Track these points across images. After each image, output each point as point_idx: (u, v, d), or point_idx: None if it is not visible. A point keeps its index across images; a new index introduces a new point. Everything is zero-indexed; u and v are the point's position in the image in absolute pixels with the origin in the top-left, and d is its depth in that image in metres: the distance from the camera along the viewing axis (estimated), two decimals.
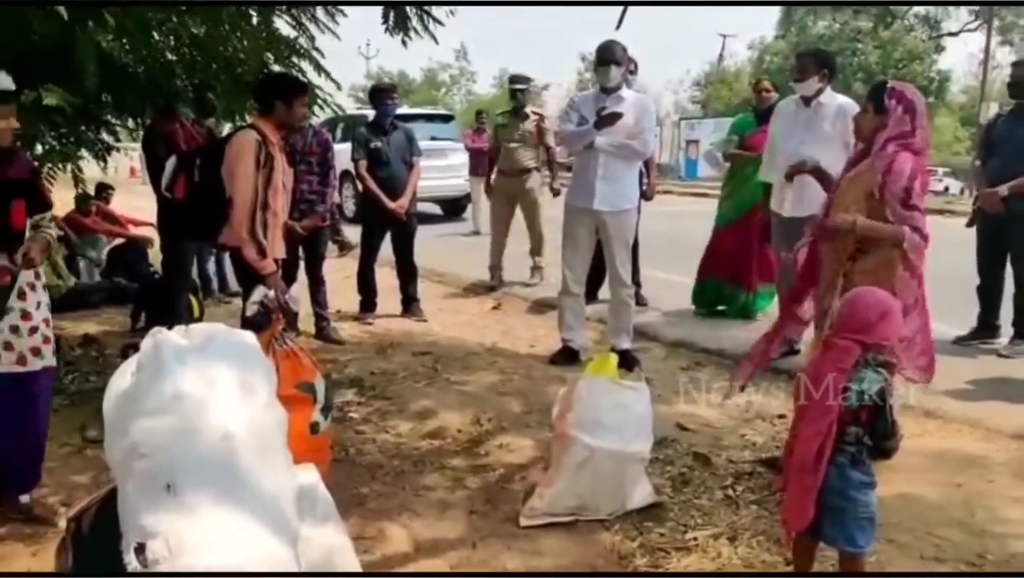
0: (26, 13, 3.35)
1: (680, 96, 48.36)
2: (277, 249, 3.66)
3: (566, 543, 2.78)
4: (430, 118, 13.59)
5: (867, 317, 2.18)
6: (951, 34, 36.32)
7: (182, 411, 1.98)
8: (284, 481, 2.11)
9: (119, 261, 7.16)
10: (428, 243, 8.98)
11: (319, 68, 4.16)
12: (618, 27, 3.78)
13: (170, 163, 3.80)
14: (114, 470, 2.05)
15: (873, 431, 2.17)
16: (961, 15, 35.40)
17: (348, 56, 48.01)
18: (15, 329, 2.75)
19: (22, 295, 2.78)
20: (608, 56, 4.50)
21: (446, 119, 13.89)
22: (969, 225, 5.17)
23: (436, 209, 13.04)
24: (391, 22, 4.04)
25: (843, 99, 4.46)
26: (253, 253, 3.49)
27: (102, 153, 5.57)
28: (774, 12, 39.91)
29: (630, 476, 2.93)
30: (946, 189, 27.06)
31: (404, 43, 4.20)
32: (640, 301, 6.41)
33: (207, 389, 2.03)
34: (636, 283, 6.48)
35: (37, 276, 2.84)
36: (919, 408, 3.89)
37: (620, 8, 4.03)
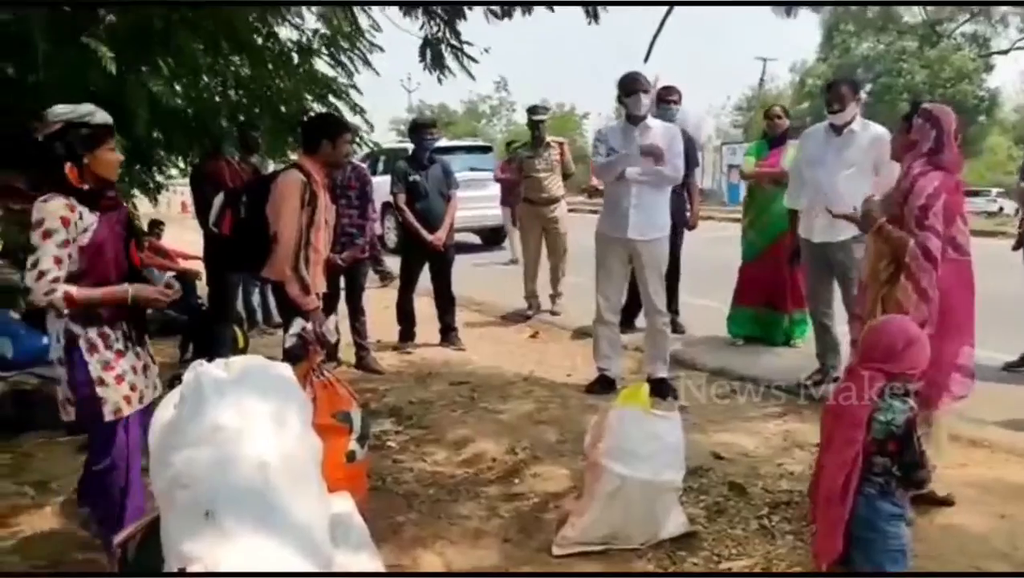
0: (84, 64, 3.54)
1: (722, 121, 48.10)
2: (318, 284, 3.77)
3: (599, 572, 2.79)
4: (469, 149, 13.79)
5: (892, 345, 2.17)
6: (1001, 52, 35.51)
7: (220, 442, 2.07)
8: (317, 508, 2.18)
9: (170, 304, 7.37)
10: (466, 272, 9.12)
11: (355, 107, 4.30)
12: (646, 59, 3.85)
13: (218, 199, 3.95)
14: (158, 499, 2.15)
15: (901, 462, 2.15)
16: (1011, 33, 34.62)
17: (390, 89, 48.95)
18: (135, 369, 2.81)
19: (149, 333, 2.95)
20: (637, 85, 4.57)
21: (485, 150, 14.08)
22: (1016, 248, 5.07)
23: (475, 239, 13.17)
24: (428, 60, 4.18)
25: (877, 128, 4.44)
26: (296, 290, 3.60)
27: (153, 191, 5.82)
28: (815, 35, 39.62)
29: (662, 505, 2.93)
30: (1000, 210, 26.27)
31: (440, 80, 4.33)
32: (677, 328, 6.39)
33: (244, 420, 2.12)
34: (673, 310, 6.48)
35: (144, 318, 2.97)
36: (965, 437, 3.81)
37: (654, 39, 4.10)
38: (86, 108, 2.69)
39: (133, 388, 2.77)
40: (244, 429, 2.10)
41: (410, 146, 6.78)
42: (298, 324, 3.15)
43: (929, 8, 34.15)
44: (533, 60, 71.24)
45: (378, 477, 3.64)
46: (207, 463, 2.04)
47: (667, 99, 6.33)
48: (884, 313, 3.01)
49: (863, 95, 4.39)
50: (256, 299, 7.11)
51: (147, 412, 2.72)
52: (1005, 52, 35.25)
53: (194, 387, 2.18)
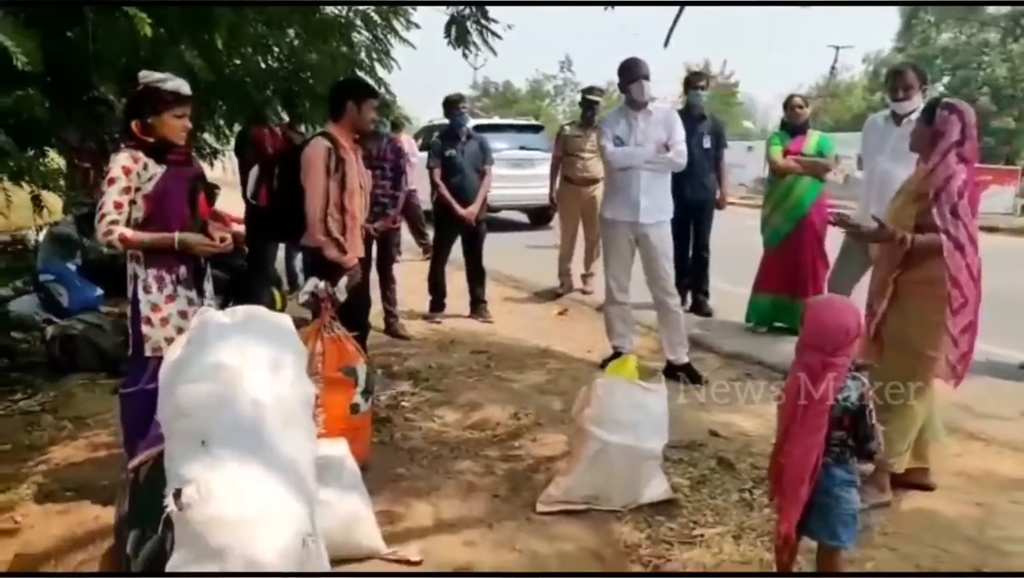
0: (131, 30, 3.79)
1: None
2: (357, 248, 3.92)
3: (576, 530, 2.94)
4: (520, 128, 13.89)
5: (842, 337, 2.22)
6: None
7: (220, 379, 2.29)
8: (304, 447, 2.38)
9: (218, 255, 7.75)
10: (517, 252, 9.28)
11: (378, 82, 4.47)
12: (666, 44, 3.90)
13: (253, 172, 4.18)
14: (163, 428, 2.38)
15: (855, 434, 2.25)
16: None
17: (457, 67, 49.20)
18: (183, 314, 3.02)
19: (208, 278, 3.19)
20: (640, 72, 4.67)
21: (536, 129, 14.15)
22: None
23: (523, 217, 13.30)
24: (453, 36, 4.33)
25: None
26: (334, 252, 3.77)
27: (209, 156, 6.14)
28: (893, 23, 38.24)
29: (644, 472, 3.07)
30: None
31: (465, 56, 4.47)
32: (706, 311, 6.46)
33: (242, 361, 2.33)
34: (703, 292, 6.55)
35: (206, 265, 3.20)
36: (963, 430, 3.83)
37: (674, 23, 4.13)
38: (163, 76, 3.02)
39: (180, 331, 2.96)
40: (242, 369, 2.31)
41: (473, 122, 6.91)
42: (311, 283, 3.37)
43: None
44: (602, 40, 70.50)
45: (388, 433, 3.85)
46: (206, 397, 2.25)
47: (696, 85, 6.38)
48: (895, 297, 3.06)
49: (939, 87, 4.31)
50: (298, 263, 7.40)
51: None
52: None
53: (200, 330, 2.40)
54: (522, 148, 12.53)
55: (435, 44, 4.82)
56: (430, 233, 8.49)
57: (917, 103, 4.39)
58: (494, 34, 4.25)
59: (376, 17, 4.46)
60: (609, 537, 2.90)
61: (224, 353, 2.34)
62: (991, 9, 33.79)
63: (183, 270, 3.05)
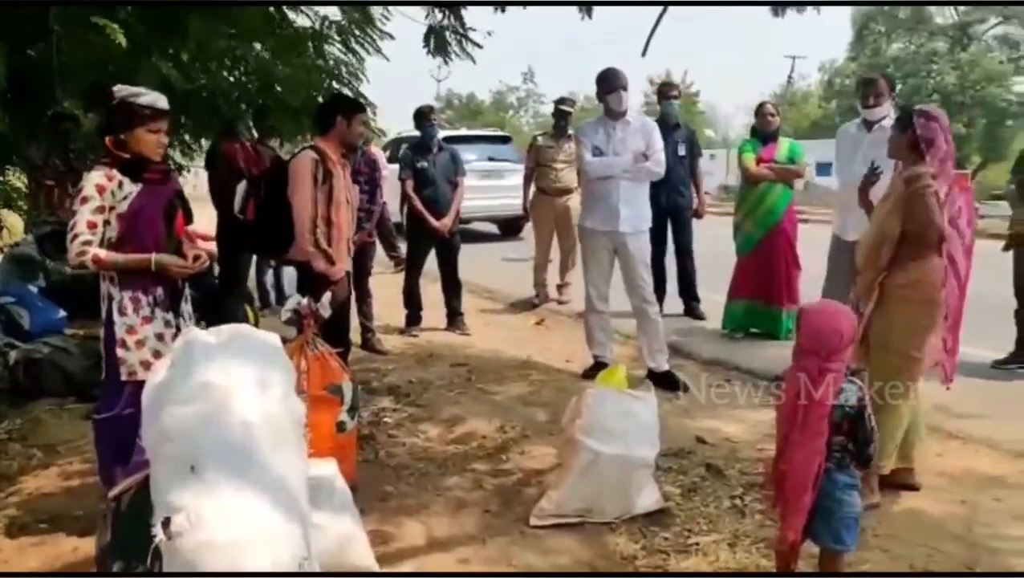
0: (99, 43, 3.70)
1: (752, 118, 47.73)
2: (343, 262, 3.88)
3: (571, 543, 2.91)
4: (489, 139, 13.90)
5: (837, 341, 2.24)
6: None
7: (207, 400, 2.21)
8: (296, 467, 2.31)
9: (194, 275, 7.60)
10: (494, 264, 9.23)
11: (357, 94, 4.42)
12: (643, 54, 3.94)
13: (241, 186, 4.10)
14: (148, 453, 2.29)
15: (855, 438, 2.25)
16: None
17: (420, 79, 49.23)
18: (160, 337, 2.94)
19: (186, 299, 3.08)
20: (619, 82, 4.70)
21: (504, 140, 14.17)
22: (1005, 249, 5.09)
23: (493, 228, 13.28)
24: (432, 45, 4.30)
25: None
26: (322, 264, 3.74)
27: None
28: (846, 34, 39.13)
29: (636, 481, 3.05)
30: None
31: (446, 62, 4.45)
32: (699, 315, 6.49)
33: (230, 381, 2.26)
34: (694, 297, 6.58)
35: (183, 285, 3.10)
36: (944, 430, 3.88)
37: (651, 33, 4.17)
38: (137, 90, 2.91)
39: (157, 354, 2.88)
40: (229, 390, 2.23)
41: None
42: (294, 300, 3.29)
43: (961, 9, 33.74)
44: (561, 52, 71.09)
45: (372, 451, 3.78)
46: (193, 419, 2.18)
47: (668, 95, 6.46)
48: (880, 299, 3.09)
49: (895, 94, 4.41)
50: (269, 279, 7.29)
51: None
52: None
53: (184, 350, 2.32)
54: (491, 159, 12.54)
55: (398, 56, 4.80)
56: (401, 246, 8.45)
57: (887, 110, 4.49)
58: (474, 43, 4.24)
59: (352, 27, 4.40)
60: (604, 549, 2.87)
61: (211, 373, 2.26)
62: (939, 19, 34.84)
63: (160, 291, 2.96)
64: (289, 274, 7.43)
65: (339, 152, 3.85)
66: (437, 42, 4.20)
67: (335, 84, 4.47)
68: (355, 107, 3.90)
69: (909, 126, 3.08)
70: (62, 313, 5.58)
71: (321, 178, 3.67)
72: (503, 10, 4.03)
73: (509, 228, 13.16)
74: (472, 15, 4.42)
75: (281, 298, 7.27)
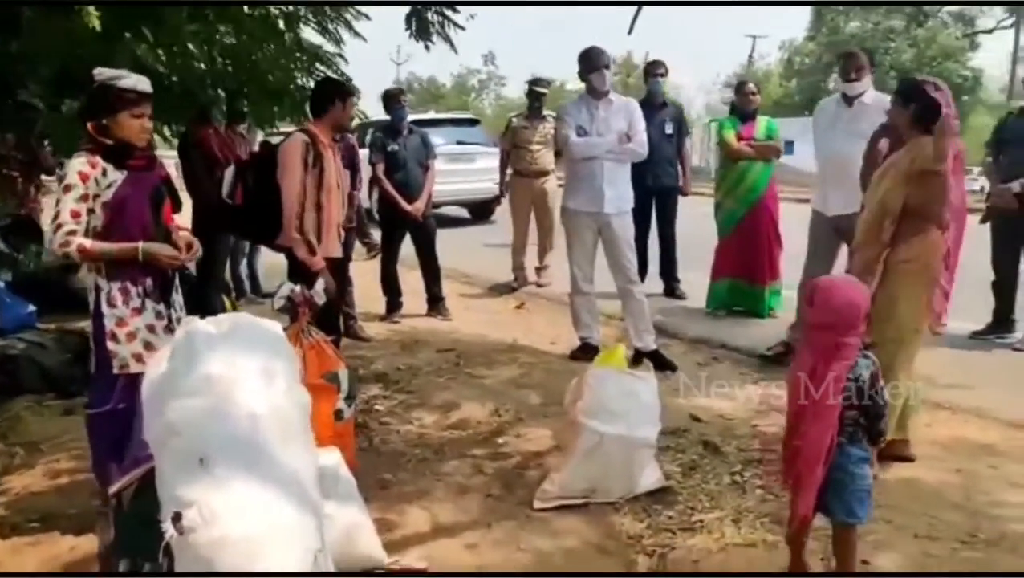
0: (69, 27, 3.56)
1: (711, 97, 48.11)
2: (332, 248, 3.82)
3: (577, 524, 2.90)
4: (457, 123, 13.79)
5: (855, 316, 2.25)
6: (986, 31, 35.67)
7: (212, 392, 2.15)
8: (305, 458, 2.27)
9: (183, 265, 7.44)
10: (465, 247, 9.15)
11: (341, 75, 4.33)
12: (630, 31, 3.91)
13: (229, 171, 3.99)
14: (152, 448, 2.22)
15: (867, 413, 2.27)
16: (996, 12, 34.75)
17: (379, 63, 48.54)
18: (151, 328, 2.84)
19: (176, 289, 2.97)
20: (600, 61, 4.69)
21: (472, 123, 14.08)
22: (983, 221, 5.19)
23: (464, 212, 13.18)
24: (414, 28, 4.22)
25: (882, 96, 4.46)
26: (303, 252, 3.66)
27: None
28: (805, 13, 39.54)
29: (639, 461, 3.05)
30: (982, 189, 26.43)
31: (427, 47, 4.37)
32: (679, 295, 6.53)
33: (235, 373, 2.20)
34: (675, 278, 6.61)
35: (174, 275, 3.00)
36: (930, 400, 3.94)
37: (638, 11, 4.14)
38: (118, 73, 2.79)
39: (148, 346, 2.81)
40: (235, 381, 2.18)
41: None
42: (287, 287, 3.22)
43: None
44: (523, 34, 70.73)
45: (366, 438, 3.74)
46: (200, 412, 2.12)
47: (655, 73, 6.44)
48: (884, 276, 3.11)
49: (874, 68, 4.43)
50: (244, 269, 7.15)
51: None
52: (990, 31, 35.45)
53: (186, 342, 2.25)
54: (460, 142, 12.44)
55: (356, 40, 4.69)
56: (374, 232, 8.34)
57: (867, 84, 4.52)
58: (457, 25, 4.16)
59: (329, 10, 4.30)
60: (611, 529, 2.88)
61: (214, 365, 2.20)
62: None
63: (149, 282, 2.86)
64: (265, 263, 7.33)
65: (330, 135, 3.79)
66: (419, 25, 4.11)
67: (319, 65, 4.35)
68: (349, 90, 3.85)
69: (912, 100, 3.09)
70: (31, 308, 5.42)
71: (312, 161, 3.59)
72: None
73: (480, 212, 13.08)
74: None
75: (256, 288, 7.15)
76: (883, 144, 3.58)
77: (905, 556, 2.60)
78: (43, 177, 6.53)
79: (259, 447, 2.14)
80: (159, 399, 2.22)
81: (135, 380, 2.81)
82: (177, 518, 2.00)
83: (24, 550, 2.71)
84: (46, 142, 4.91)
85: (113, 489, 2.46)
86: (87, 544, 2.68)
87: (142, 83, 2.82)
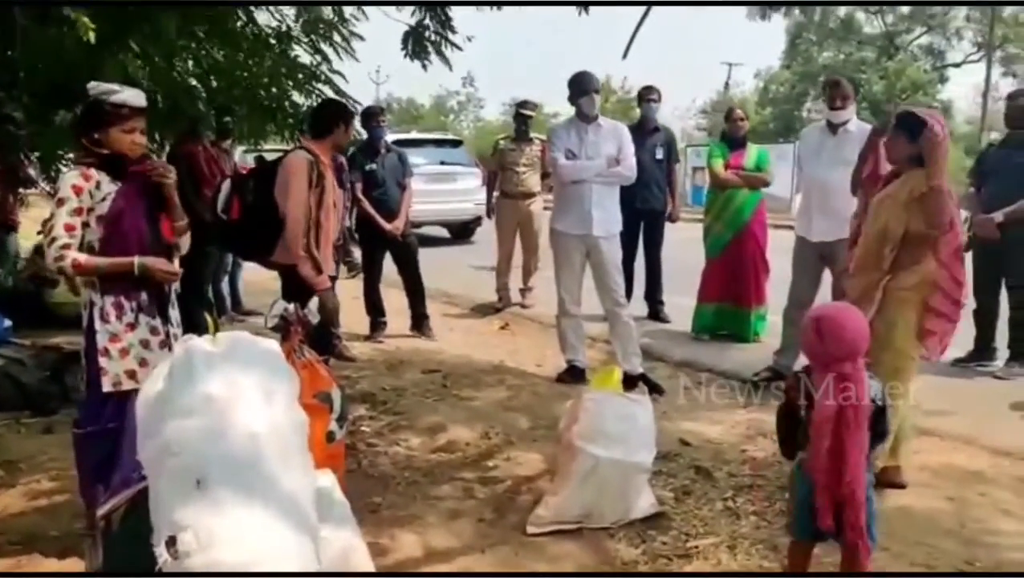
0: (61, 39, 3.52)
1: (687, 124, 48.73)
2: (328, 267, 3.80)
3: (572, 549, 2.87)
4: (439, 143, 13.81)
5: (862, 341, 2.27)
6: (954, 65, 36.66)
7: (211, 412, 2.11)
8: (304, 480, 2.23)
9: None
10: (445, 268, 9.12)
11: (339, 93, 4.33)
12: (624, 56, 3.94)
13: (225, 185, 3.96)
14: (146, 468, 2.17)
15: (874, 432, 2.27)
16: (964, 46, 35.76)
17: (358, 82, 48.61)
18: (145, 344, 2.80)
19: (173, 304, 2.94)
20: (590, 85, 4.74)
21: (455, 144, 14.12)
22: (964, 251, 5.26)
23: (444, 232, 13.16)
24: (410, 48, 4.22)
25: (864, 125, 4.54)
26: (309, 269, 3.63)
27: None
28: (779, 42, 40.33)
29: (634, 486, 3.04)
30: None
31: (424, 67, 4.37)
32: (663, 318, 6.55)
33: (233, 392, 2.16)
34: (659, 301, 6.64)
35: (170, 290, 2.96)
36: (918, 427, 3.97)
37: (634, 34, 4.17)
38: (111, 87, 2.76)
39: (143, 363, 2.76)
40: (234, 400, 2.14)
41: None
42: (280, 305, 3.17)
43: (888, 20, 35.11)
44: (501, 57, 71.25)
45: (354, 461, 3.67)
46: (198, 432, 2.07)
47: (648, 98, 6.51)
48: (883, 302, 3.13)
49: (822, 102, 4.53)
50: (225, 287, 7.06)
51: None
52: (958, 65, 36.45)
53: (183, 360, 2.21)
54: (442, 163, 12.45)
55: (343, 58, 4.68)
56: (354, 251, 8.28)
57: (851, 113, 4.61)
58: (454, 45, 4.16)
59: (326, 26, 4.29)
60: (605, 555, 2.85)
61: (213, 384, 2.16)
62: (867, 29, 36.20)
63: (144, 296, 2.81)
64: (244, 281, 7.24)
65: (330, 155, 3.79)
66: (416, 45, 4.11)
67: (317, 84, 4.34)
68: (351, 113, 3.92)
69: (919, 134, 3.09)
70: (7, 322, 5.30)
71: (315, 180, 3.57)
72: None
73: (461, 232, 13.09)
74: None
75: (237, 304, 7.07)
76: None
77: None
78: (21, 190, 6.41)
79: (258, 468, 2.10)
80: (155, 418, 2.16)
81: (126, 399, 2.76)
82: (172, 542, 1.95)
83: (6, 574, 2.62)
84: (32, 154, 4.80)
85: (102, 511, 2.39)
86: (72, 567, 2.60)
87: (135, 98, 2.79)
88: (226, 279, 7.06)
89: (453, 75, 48.99)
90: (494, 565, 2.77)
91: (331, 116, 3.82)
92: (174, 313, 2.95)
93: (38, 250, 6.53)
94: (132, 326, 2.76)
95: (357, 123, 5.63)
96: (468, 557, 2.83)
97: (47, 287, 6.41)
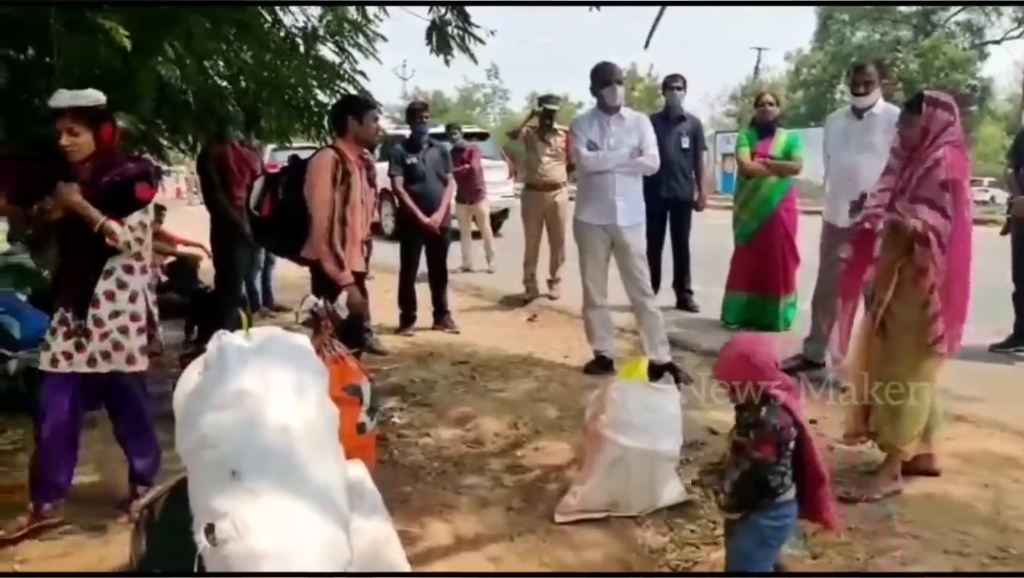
0: (95, 46, 3.61)
1: (716, 110, 48.23)
2: (356, 263, 3.87)
3: (599, 538, 2.91)
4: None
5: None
6: (994, 42, 35.70)
7: (245, 406, 2.17)
8: (335, 471, 2.29)
9: (171, 278, 7.51)
10: (484, 263, 9.19)
11: (361, 92, 4.38)
12: (646, 46, 3.93)
13: (258, 183, 4.06)
14: (185, 460, 2.25)
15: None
16: (1004, 22, 34.77)
17: (385, 78, 48.87)
18: (87, 333, 2.97)
19: (96, 303, 2.99)
20: (612, 76, 4.74)
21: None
22: (1004, 233, 5.19)
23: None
24: (434, 43, 4.26)
25: (891, 107, 4.49)
26: (332, 265, 3.71)
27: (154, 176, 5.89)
28: (811, 24, 39.70)
29: (660, 475, 3.06)
30: (992, 199, 26.37)
31: (447, 62, 4.41)
32: (692, 307, 6.54)
33: (266, 387, 2.23)
34: (687, 290, 6.63)
35: (121, 285, 3.03)
36: (952, 413, 3.94)
37: (655, 24, 4.16)
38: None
39: (47, 347, 3.01)
40: (267, 395, 2.20)
41: (407, 132, 6.88)
42: (310, 301, 3.25)
43: None
44: (525, 47, 71.02)
45: (385, 451, 3.75)
46: (232, 425, 2.14)
47: (672, 86, 6.48)
48: (900, 285, 3.09)
49: (887, 80, 4.43)
50: (257, 283, 7.20)
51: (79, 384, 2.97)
52: (998, 42, 35.47)
53: (218, 355, 2.28)
54: None
55: (369, 56, 4.73)
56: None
57: (876, 97, 4.53)
58: (477, 39, 4.20)
59: (348, 26, 4.35)
60: (633, 543, 2.88)
61: (246, 379, 2.23)
62: (903, 8, 35.39)
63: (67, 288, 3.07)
64: (277, 277, 7.37)
65: (357, 152, 3.85)
66: (440, 40, 4.15)
67: (339, 83, 4.40)
68: (363, 106, 3.90)
69: (919, 113, 3.09)
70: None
71: (340, 178, 3.64)
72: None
73: (491, 225, 13.09)
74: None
75: (268, 300, 7.20)
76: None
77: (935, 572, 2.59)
78: None
79: (291, 460, 2.16)
80: (192, 412, 2.24)
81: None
82: (210, 529, 2.02)
83: (54, 561, 2.73)
84: None
85: (144, 501, 2.49)
86: (115, 554, 2.69)
87: (55, 98, 2.93)
88: (259, 275, 7.20)
89: (478, 68, 48.98)
90: (522, 553, 2.82)
91: (340, 112, 3.88)
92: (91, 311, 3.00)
93: None
94: (55, 311, 3.04)
95: (401, 117, 5.70)
96: (497, 544, 2.88)
97: None
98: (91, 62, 3.73)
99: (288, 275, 7.06)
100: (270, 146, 6.91)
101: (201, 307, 5.89)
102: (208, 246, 5.67)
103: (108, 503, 3.15)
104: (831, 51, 37.62)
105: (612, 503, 3.03)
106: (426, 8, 4.13)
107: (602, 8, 3.97)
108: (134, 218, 3.00)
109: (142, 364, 3.09)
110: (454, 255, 6.48)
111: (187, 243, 8.29)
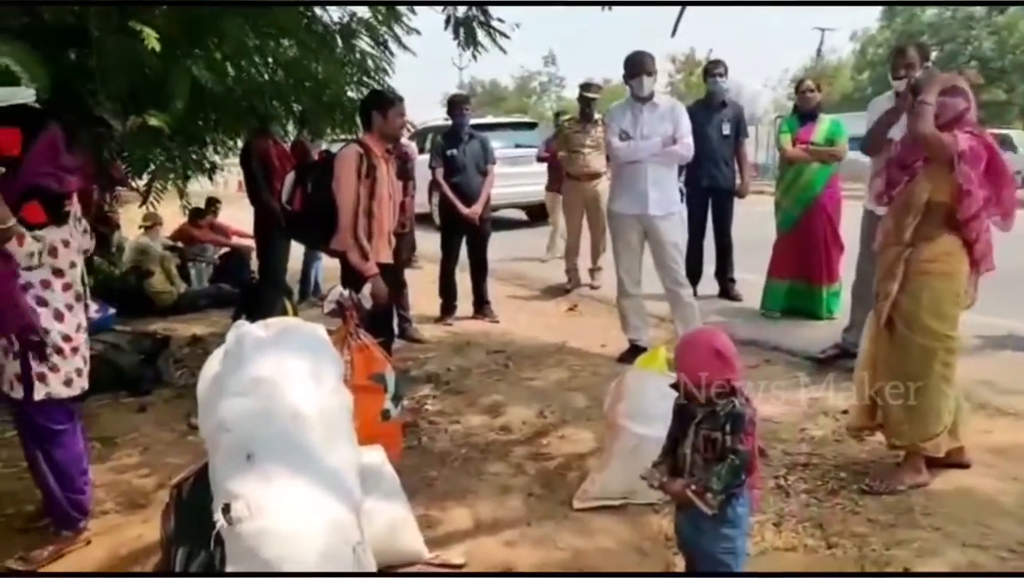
0: (133, 47, 3.76)
1: (778, 93, 47.06)
2: (383, 254, 3.97)
3: (615, 524, 2.94)
4: (515, 126, 13.87)
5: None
6: None
7: (260, 393, 2.29)
8: (347, 457, 2.38)
9: (224, 269, 7.80)
10: (519, 250, 9.25)
11: (385, 87, 4.47)
12: (673, 34, 3.92)
13: (289, 178, 4.21)
14: (206, 443, 2.38)
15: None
16: None
17: (441, 68, 49.16)
18: (59, 351, 2.78)
19: (59, 317, 2.77)
20: (641, 68, 4.70)
21: (531, 126, 14.16)
22: None
23: (521, 214, 13.26)
24: (461, 38, 4.33)
25: None
26: (356, 257, 3.83)
27: (208, 170, 6.12)
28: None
29: None
30: None
31: (474, 56, 4.47)
32: (735, 296, 6.48)
33: (281, 374, 2.33)
34: (730, 278, 6.57)
35: (78, 297, 2.87)
36: (990, 406, 3.84)
37: (681, 12, 4.14)
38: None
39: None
40: (281, 382, 2.31)
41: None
42: (336, 291, 3.37)
43: None
44: (582, 34, 70.45)
45: (415, 437, 3.85)
46: (248, 411, 2.25)
47: (714, 72, 6.40)
48: (906, 279, 3.03)
49: (929, 64, 4.28)
50: (313, 271, 7.42)
51: None
52: None
53: (236, 344, 2.40)
54: (517, 146, 12.51)
55: (419, 45, 4.82)
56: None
57: None
58: (501, 34, 4.24)
59: (377, 23, 4.43)
60: (648, 530, 2.90)
61: (262, 366, 2.34)
62: None
63: None
64: (325, 267, 7.57)
65: (383, 146, 3.95)
66: (467, 34, 4.22)
67: (366, 79, 4.50)
68: (388, 101, 3.97)
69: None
70: (112, 310, 5.75)
71: (365, 172, 3.75)
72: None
73: (538, 214, 13.12)
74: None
75: (316, 290, 7.41)
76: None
77: (949, 564, 2.55)
78: (117, 188, 6.90)
79: (303, 445, 2.27)
80: (212, 397, 2.36)
81: None
82: (227, 509, 2.13)
83: (95, 539, 2.90)
84: (123, 155, 5.15)
85: (175, 481, 2.63)
86: (152, 532, 2.84)
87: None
88: (318, 264, 7.39)
89: (535, 55, 48.82)
90: (538, 538, 2.87)
91: (365, 107, 3.99)
92: None
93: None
94: None
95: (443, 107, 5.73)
96: (514, 530, 2.93)
97: (146, 278, 6.91)
98: (129, 63, 3.89)
99: (337, 265, 7.24)
100: (323, 142, 7.07)
101: (250, 297, 6.11)
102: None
103: (152, 484, 3.32)
104: (899, 29, 36.27)
105: (629, 490, 3.05)
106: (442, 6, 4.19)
107: None
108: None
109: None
110: (496, 244, 6.51)
111: (241, 235, 8.59)
